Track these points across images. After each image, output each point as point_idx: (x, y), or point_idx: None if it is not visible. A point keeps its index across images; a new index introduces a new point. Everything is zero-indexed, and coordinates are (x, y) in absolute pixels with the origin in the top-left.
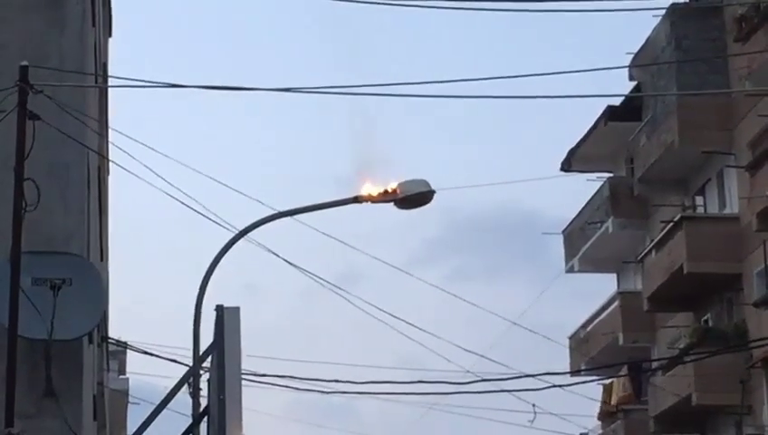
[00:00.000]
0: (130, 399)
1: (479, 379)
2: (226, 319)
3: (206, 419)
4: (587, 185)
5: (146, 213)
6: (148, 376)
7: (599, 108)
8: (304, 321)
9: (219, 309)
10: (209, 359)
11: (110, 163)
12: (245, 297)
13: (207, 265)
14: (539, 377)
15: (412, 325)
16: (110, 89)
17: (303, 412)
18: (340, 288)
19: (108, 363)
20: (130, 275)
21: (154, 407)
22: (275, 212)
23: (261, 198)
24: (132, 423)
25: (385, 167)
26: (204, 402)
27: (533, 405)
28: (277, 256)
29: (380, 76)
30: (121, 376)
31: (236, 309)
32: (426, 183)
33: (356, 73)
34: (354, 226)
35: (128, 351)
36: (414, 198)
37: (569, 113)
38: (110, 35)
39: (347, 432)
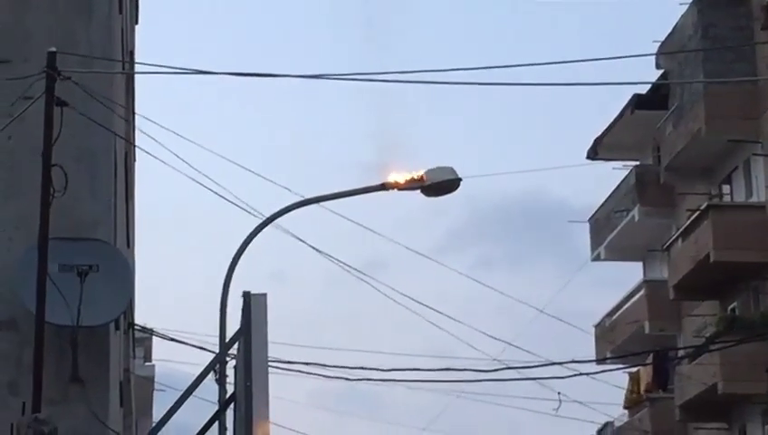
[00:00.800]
0: (156, 386)
1: (505, 366)
2: (253, 305)
3: (232, 405)
4: (613, 173)
5: (173, 200)
6: (173, 363)
7: (625, 96)
8: (330, 309)
9: (246, 296)
10: (236, 346)
11: (137, 150)
12: (272, 285)
13: (234, 252)
14: (565, 365)
15: (439, 313)
16: (136, 76)
17: (328, 400)
18: (367, 275)
19: (134, 350)
20: (157, 262)
21: (179, 393)
22: (302, 199)
23: (288, 185)
24: (158, 410)
25: (409, 154)
26: (230, 389)
27: (559, 393)
28: (304, 242)
29: (405, 63)
30: (147, 363)
31: (263, 296)
32: (452, 171)
33: (381, 60)
34: (377, 215)
35: (153, 338)
36: (440, 185)
37: (595, 102)
38: (136, 23)
39: (372, 419)
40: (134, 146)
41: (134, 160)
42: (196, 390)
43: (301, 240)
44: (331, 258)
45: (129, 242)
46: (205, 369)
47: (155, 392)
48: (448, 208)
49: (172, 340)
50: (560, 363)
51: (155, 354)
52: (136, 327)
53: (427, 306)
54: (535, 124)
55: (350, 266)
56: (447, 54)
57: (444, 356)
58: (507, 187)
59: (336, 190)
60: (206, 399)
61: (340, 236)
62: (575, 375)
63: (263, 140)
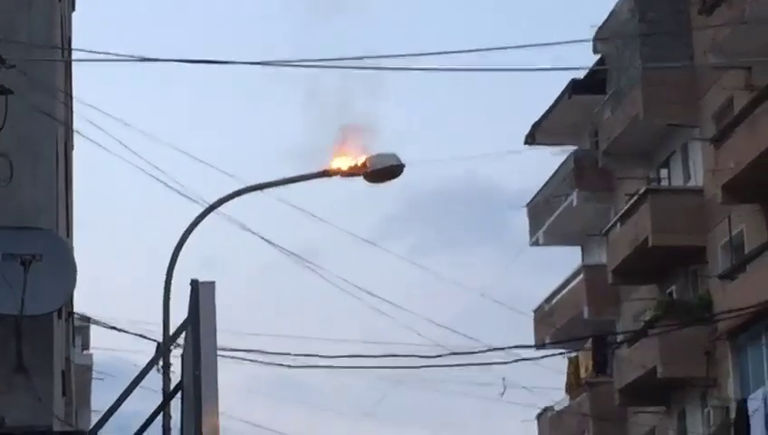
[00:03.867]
0: (95, 374)
1: (449, 352)
2: (202, 293)
3: (178, 395)
4: (550, 158)
5: (113, 188)
6: (112, 351)
7: (562, 81)
8: (268, 296)
9: (194, 283)
10: (180, 335)
11: (77, 138)
12: (208, 272)
13: (173, 240)
14: (507, 350)
15: (381, 299)
16: (73, 64)
17: (262, 386)
18: (308, 261)
19: (74, 339)
20: (97, 250)
21: (118, 381)
22: (245, 186)
23: (232, 172)
24: (96, 398)
25: (351, 138)
26: (174, 378)
27: (503, 379)
28: (249, 230)
29: (344, 43)
30: (85, 351)
31: (212, 284)
32: (395, 157)
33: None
34: (310, 202)
35: (91, 326)
36: (383, 171)
37: (530, 86)
38: (73, 9)
39: (307, 406)
40: (76, 133)
41: (72, 149)
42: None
43: (246, 228)
44: (276, 246)
45: (69, 230)
46: (152, 359)
47: (93, 381)
48: (382, 196)
49: (113, 328)
50: (502, 349)
51: (93, 342)
52: (75, 316)
53: (368, 292)
54: (467, 109)
55: (290, 252)
56: (384, 39)
57: (382, 342)
58: (443, 172)
59: (276, 178)
60: (149, 387)
61: (275, 224)
62: (518, 360)
63: (207, 129)
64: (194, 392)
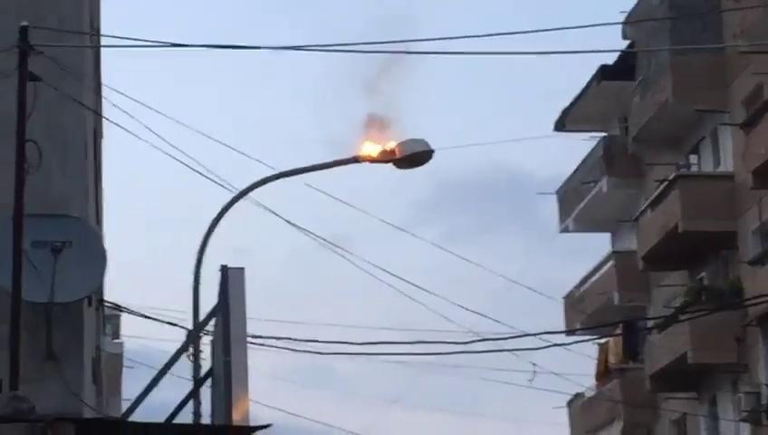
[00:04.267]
0: (126, 362)
1: (479, 338)
2: (231, 280)
3: (208, 381)
4: (578, 144)
5: (141, 174)
6: (142, 339)
7: (590, 67)
8: (297, 283)
9: (224, 270)
10: (210, 321)
11: (105, 126)
12: (238, 259)
13: (204, 227)
14: (537, 336)
15: (411, 284)
16: (102, 52)
17: (290, 373)
18: (339, 247)
19: (104, 327)
20: (125, 237)
21: (149, 370)
22: (277, 172)
23: (260, 158)
24: (126, 387)
25: (381, 126)
26: (203, 365)
27: (534, 365)
28: (279, 216)
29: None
30: (115, 340)
31: (241, 270)
32: (425, 143)
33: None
34: (338, 189)
35: (122, 314)
36: (413, 157)
37: (559, 73)
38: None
39: (336, 392)
40: (106, 120)
41: (101, 137)
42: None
43: (276, 214)
44: (303, 230)
45: (99, 218)
46: (182, 346)
47: (124, 369)
48: (412, 183)
49: (144, 316)
50: (532, 335)
51: (123, 331)
52: (106, 303)
53: (400, 278)
54: (497, 96)
55: (321, 238)
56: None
57: (410, 329)
58: (470, 159)
59: (305, 164)
60: (178, 375)
61: (303, 211)
62: (549, 346)
63: (235, 114)
64: (224, 379)
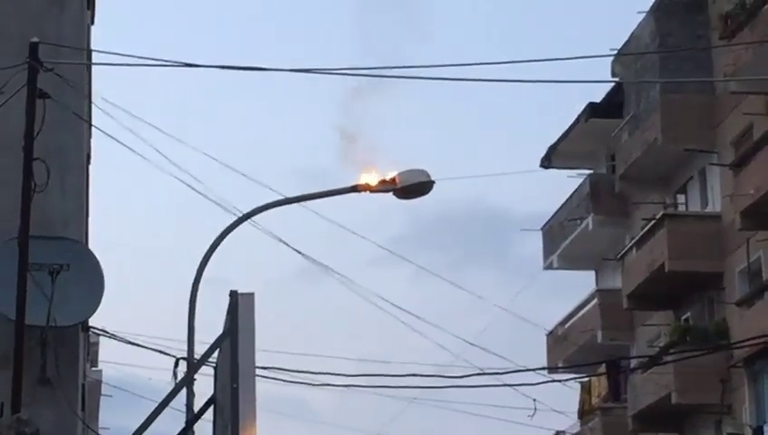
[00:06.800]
0: (103, 390)
1: (478, 372)
2: (241, 305)
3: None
4: (557, 182)
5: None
6: (119, 365)
7: (574, 104)
8: (272, 314)
9: (233, 295)
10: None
11: (95, 149)
12: (207, 289)
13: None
14: (519, 373)
15: (410, 314)
16: (93, 72)
17: (267, 403)
18: (342, 275)
19: (89, 353)
20: (110, 261)
21: (127, 398)
22: (281, 198)
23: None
24: (104, 416)
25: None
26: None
27: (534, 400)
28: (281, 240)
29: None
30: (93, 368)
31: (251, 295)
32: (425, 173)
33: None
34: (315, 224)
35: (100, 341)
36: (413, 187)
37: (544, 110)
38: (92, 23)
39: (312, 423)
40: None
41: (90, 161)
42: (150, 392)
43: (279, 239)
44: (306, 257)
45: (87, 241)
46: (184, 377)
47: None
48: (388, 218)
49: (131, 343)
50: (510, 372)
51: (101, 357)
52: (93, 330)
53: (399, 307)
54: (477, 130)
55: (320, 263)
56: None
57: (381, 361)
58: (447, 194)
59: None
60: (153, 399)
61: (274, 245)
62: (547, 382)
63: (232, 138)
64: (231, 406)
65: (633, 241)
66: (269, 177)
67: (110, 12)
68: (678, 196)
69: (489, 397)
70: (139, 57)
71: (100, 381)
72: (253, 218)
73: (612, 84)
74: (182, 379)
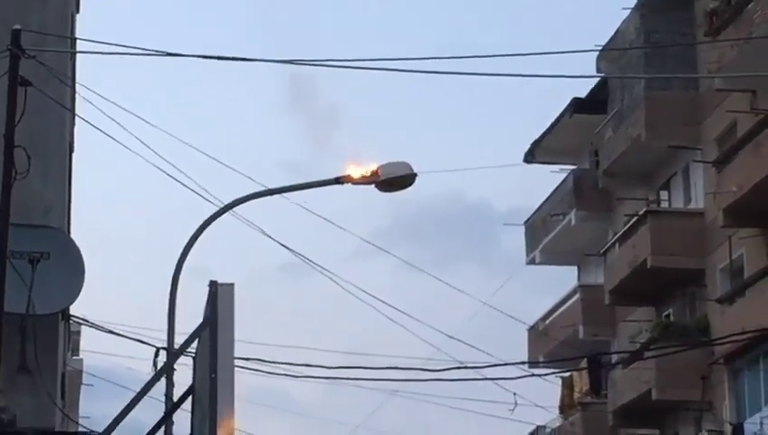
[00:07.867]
0: (84, 379)
1: (460, 366)
2: (220, 295)
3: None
4: (539, 176)
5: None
6: (99, 355)
7: (557, 99)
8: (255, 306)
9: (213, 285)
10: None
11: (79, 138)
12: (192, 280)
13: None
14: (500, 367)
15: (392, 307)
16: (78, 61)
17: (248, 394)
18: (324, 268)
19: (69, 342)
20: (91, 249)
21: (107, 387)
22: (264, 189)
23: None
24: (84, 404)
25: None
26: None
27: (515, 394)
28: (264, 232)
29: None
30: (75, 357)
31: (231, 286)
32: (408, 166)
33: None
34: (297, 217)
35: (82, 329)
36: (396, 180)
37: (524, 102)
38: (77, 11)
39: (294, 416)
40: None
41: (73, 150)
42: (130, 383)
43: (262, 231)
44: (290, 250)
45: (69, 231)
46: (164, 364)
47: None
48: (370, 210)
49: (112, 332)
50: (492, 366)
51: (82, 346)
52: (73, 318)
53: (381, 300)
54: (459, 124)
55: (308, 259)
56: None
57: (366, 354)
58: (429, 188)
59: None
60: (129, 388)
61: (258, 239)
62: (526, 377)
63: (216, 128)
64: (209, 396)
65: (616, 237)
66: (253, 169)
67: (98, 1)
68: (661, 192)
69: (470, 391)
70: (122, 46)
71: (81, 370)
72: (236, 210)
73: (597, 80)
74: (161, 368)
